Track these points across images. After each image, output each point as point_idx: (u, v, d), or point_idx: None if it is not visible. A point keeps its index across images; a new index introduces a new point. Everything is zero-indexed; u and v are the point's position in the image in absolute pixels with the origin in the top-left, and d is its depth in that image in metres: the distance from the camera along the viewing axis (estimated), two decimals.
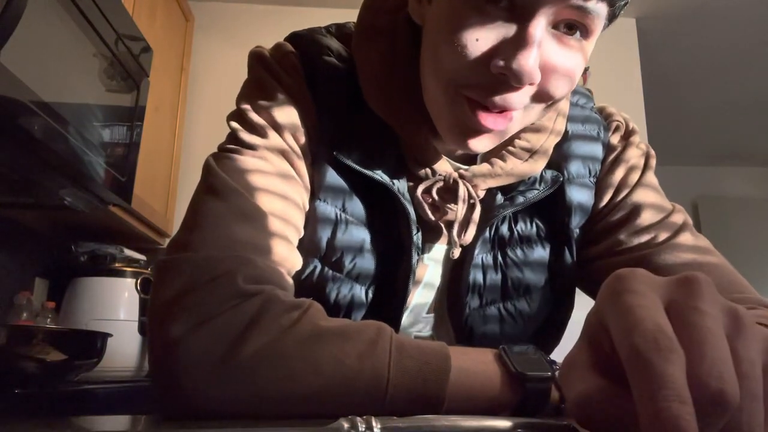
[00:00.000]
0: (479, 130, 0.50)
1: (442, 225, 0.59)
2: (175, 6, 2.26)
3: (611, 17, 0.49)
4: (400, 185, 0.57)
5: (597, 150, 0.65)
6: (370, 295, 0.58)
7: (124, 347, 1.67)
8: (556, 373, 0.44)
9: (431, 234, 0.60)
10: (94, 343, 1.08)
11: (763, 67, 3.04)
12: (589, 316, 0.28)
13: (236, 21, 2.62)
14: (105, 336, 1.10)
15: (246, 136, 0.55)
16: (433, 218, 0.58)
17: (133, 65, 1.65)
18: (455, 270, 0.61)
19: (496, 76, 0.46)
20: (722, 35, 2.79)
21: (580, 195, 0.63)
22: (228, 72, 2.53)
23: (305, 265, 0.56)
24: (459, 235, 0.57)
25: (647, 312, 0.24)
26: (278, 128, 0.55)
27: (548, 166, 0.61)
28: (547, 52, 0.47)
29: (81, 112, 1.37)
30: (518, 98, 0.48)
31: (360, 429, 0.27)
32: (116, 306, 1.72)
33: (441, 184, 0.57)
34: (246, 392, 0.41)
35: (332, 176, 0.57)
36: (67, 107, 1.29)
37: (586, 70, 2.60)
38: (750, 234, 3.98)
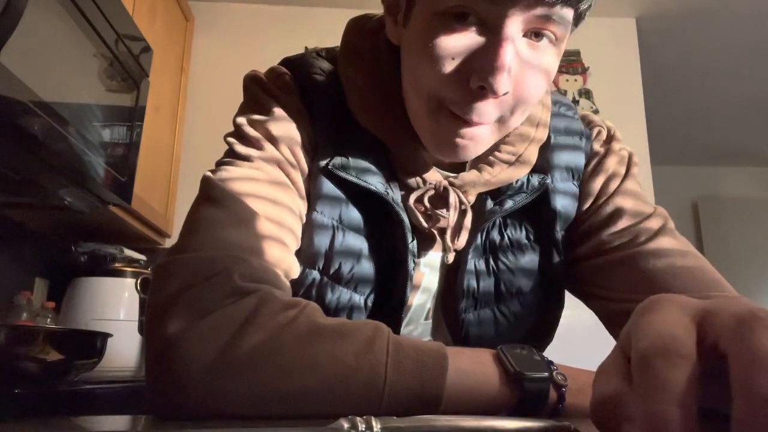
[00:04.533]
0: (459, 142, 0.53)
1: (435, 232, 0.61)
2: (175, 6, 2.26)
3: (577, 20, 0.51)
4: (394, 195, 0.59)
5: (579, 158, 0.66)
6: (369, 303, 0.59)
7: (124, 347, 1.67)
8: (554, 373, 0.45)
9: (426, 242, 0.62)
10: (94, 343, 1.08)
11: (763, 67, 3.04)
12: (624, 327, 0.28)
13: (236, 21, 2.62)
14: (105, 336, 1.10)
15: (242, 149, 0.56)
16: (426, 226, 0.59)
17: (133, 65, 1.65)
18: (450, 276, 0.62)
19: (474, 89, 0.49)
20: (722, 35, 2.79)
21: (563, 201, 0.64)
22: (228, 72, 2.52)
23: (305, 277, 0.58)
24: (452, 241, 0.59)
25: (665, 324, 0.24)
26: (274, 140, 0.57)
27: (534, 172, 0.63)
28: (519, 60, 0.49)
29: (81, 112, 1.37)
30: (496, 109, 0.51)
31: (360, 429, 0.28)
32: (116, 306, 1.72)
33: (432, 192, 0.59)
34: (242, 389, 0.41)
35: (328, 188, 0.58)
36: (67, 107, 1.29)
37: (585, 70, 2.60)
38: (750, 234, 3.98)
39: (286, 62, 0.64)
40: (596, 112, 2.54)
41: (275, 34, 2.59)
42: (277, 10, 2.64)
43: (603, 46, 2.58)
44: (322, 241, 0.58)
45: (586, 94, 2.58)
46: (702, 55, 2.95)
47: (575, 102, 2.56)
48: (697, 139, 3.92)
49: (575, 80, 2.60)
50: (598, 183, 0.66)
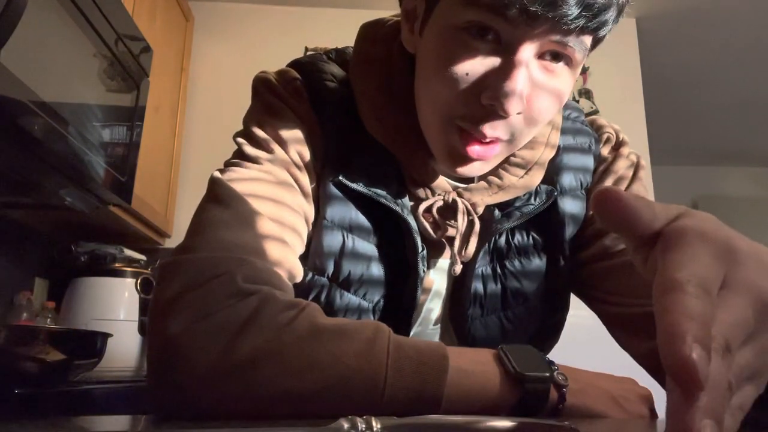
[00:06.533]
0: (469, 159, 0.53)
1: (444, 241, 0.61)
2: (175, 6, 2.26)
3: (595, 44, 0.51)
4: (404, 205, 0.58)
5: (588, 162, 0.66)
6: (378, 309, 0.59)
7: (124, 347, 1.67)
8: (555, 373, 0.45)
9: (434, 250, 0.62)
10: (94, 343, 1.08)
11: (762, 67, 3.04)
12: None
13: (236, 21, 2.62)
14: (105, 336, 1.10)
15: (250, 150, 0.56)
16: (435, 236, 0.59)
17: (133, 65, 1.65)
18: (457, 282, 0.62)
19: (486, 106, 0.49)
20: (722, 35, 2.79)
21: (572, 206, 0.64)
22: (228, 72, 2.53)
23: (313, 284, 0.58)
24: (460, 252, 0.59)
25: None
26: (282, 143, 0.57)
27: (542, 182, 0.63)
28: (532, 81, 0.49)
29: (81, 112, 1.37)
30: (507, 127, 0.51)
31: (360, 429, 0.27)
32: (116, 306, 1.72)
33: (441, 203, 0.59)
34: (242, 389, 0.41)
35: (337, 195, 0.58)
36: (67, 107, 1.29)
37: (585, 70, 2.60)
38: (750, 234, 3.77)
39: (297, 66, 0.63)
40: (596, 112, 2.54)
41: (275, 34, 2.59)
42: (277, 10, 2.64)
43: (603, 46, 2.57)
44: (331, 248, 0.58)
45: (586, 94, 2.58)
46: (702, 55, 2.95)
47: (575, 102, 2.56)
48: (697, 139, 3.92)
49: (575, 80, 2.60)
50: (606, 185, 0.66)
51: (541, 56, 0.49)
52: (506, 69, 0.48)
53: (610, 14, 0.47)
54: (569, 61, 0.50)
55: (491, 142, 0.52)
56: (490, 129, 0.50)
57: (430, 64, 0.52)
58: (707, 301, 0.23)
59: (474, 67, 0.49)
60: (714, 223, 0.27)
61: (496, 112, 0.49)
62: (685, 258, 0.24)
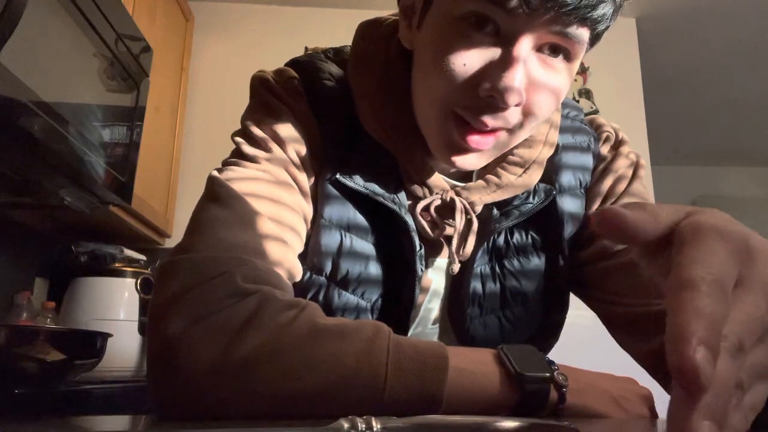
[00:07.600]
0: (466, 149, 0.52)
1: (442, 240, 0.61)
2: (175, 6, 2.26)
3: (593, 41, 0.51)
4: (401, 204, 0.58)
5: (588, 160, 0.66)
6: (377, 309, 0.59)
7: (124, 347, 1.67)
8: (555, 373, 0.45)
9: (432, 249, 0.62)
10: (94, 343, 1.08)
11: (763, 67, 3.04)
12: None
13: (236, 21, 2.62)
14: (105, 336, 1.10)
15: (248, 149, 0.56)
16: (432, 235, 0.59)
17: (133, 65, 1.65)
18: (456, 281, 0.62)
19: (484, 98, 0.49)
20: (722, 35, 2.79)
21: (571, 205, 0.64)
22: (228, 72, 2.52)
23: (311, 283, 0.58)
24: (458, 251, 0.59)
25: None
26: (280, 142, 0.57)
27: (541, 181, 0.62)
28: (531, 73, 0.49)
29: (81, 112, 1.37)
30: (504, 118, 0.51)
31: (360, 429, 0.27)
32: (116, 306, 1.72)
33: (438, 202, 0.59)
34: (242, 389, 0.41)
35: (335, 194, 0.58)
36: (67, 107, 1.29)
37: (585, 70, 2.60)
38: None
39: (295, 65, 0.63)
40: (596, 112, 2.54)
41: (275, 34, 2.59)
42: (277, 10, 2.64)
43: (603, 46, 2.55)
44: (329, 247, 0.58)
45: (586, 94, 2.58)
46: (702, 55, 2.95)
47: (575, 101, 2.56)
48: (697, 139, 3.92)
49: (575, 80, 2.60)
50: (606, 184, 0.66)
51: (539, 49, 0.49)
52: (505, 61, 0.47)
53: (608, 7, 0.47)
54: (568, 55, 0.50)
55: (490, 132, 0.51)
56: (485, 123, 0.50)
57: (428, 56, 0.52)
58: (721, 300, 0.22)
59: (472, 58, 0.48)
60: (728, 219, 0.27)
61: (494, 104, 0.49)
62: (701, 254, 0.24)
